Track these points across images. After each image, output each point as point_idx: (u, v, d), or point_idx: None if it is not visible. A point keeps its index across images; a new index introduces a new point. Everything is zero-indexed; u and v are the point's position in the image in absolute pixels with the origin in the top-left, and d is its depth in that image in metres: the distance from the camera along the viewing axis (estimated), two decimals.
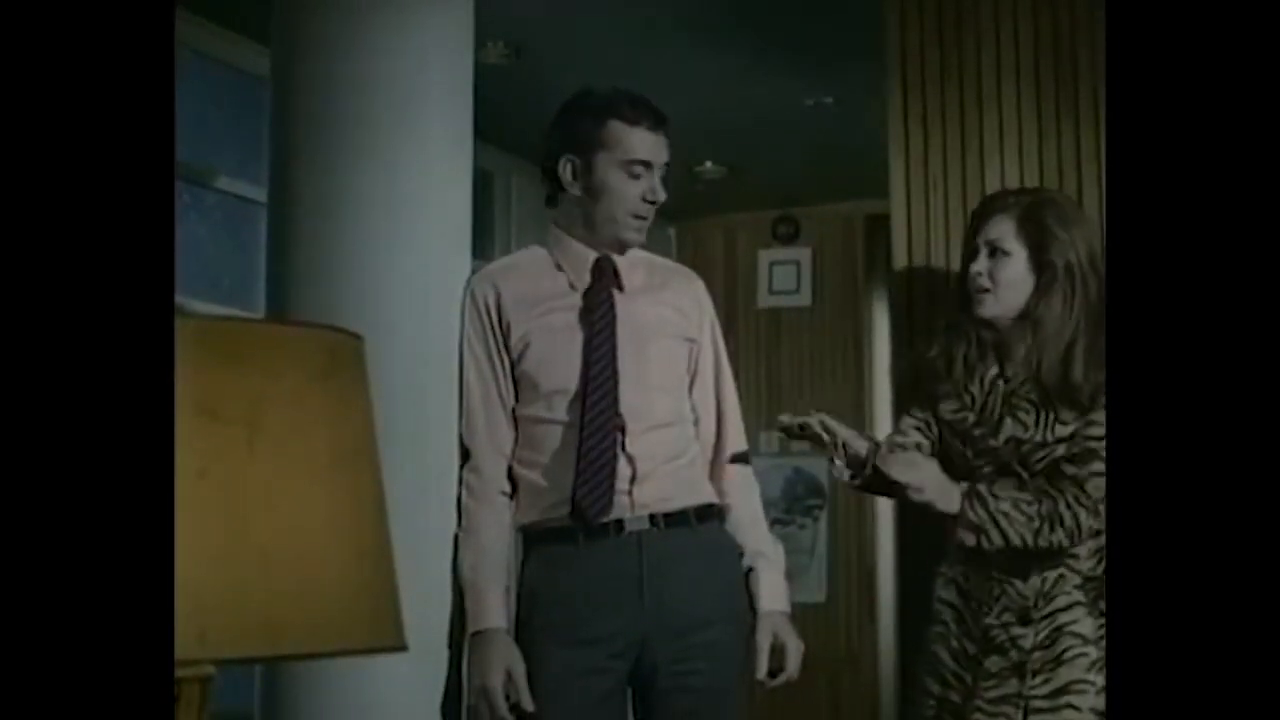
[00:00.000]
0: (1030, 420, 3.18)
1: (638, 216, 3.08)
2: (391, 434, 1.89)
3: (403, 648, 1.57)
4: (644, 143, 3.07)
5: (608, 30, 5.40)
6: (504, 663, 2.95)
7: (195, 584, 1.37)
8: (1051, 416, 3.17)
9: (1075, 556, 3.13)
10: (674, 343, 3.14)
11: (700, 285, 3.28)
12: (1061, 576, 3.16)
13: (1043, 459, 3.17)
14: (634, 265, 3.16)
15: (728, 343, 3.28)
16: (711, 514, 3.11)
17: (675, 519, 3.03)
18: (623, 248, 3.13)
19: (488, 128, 3.61)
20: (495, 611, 2.99)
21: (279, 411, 1.46)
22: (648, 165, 3.07)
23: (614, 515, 2.97)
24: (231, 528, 1.42)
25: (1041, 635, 3.16)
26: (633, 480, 3.00)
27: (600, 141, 3.06)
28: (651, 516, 3.00)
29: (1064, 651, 3.13)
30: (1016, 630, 3.18)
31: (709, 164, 7.20)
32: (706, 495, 3.12)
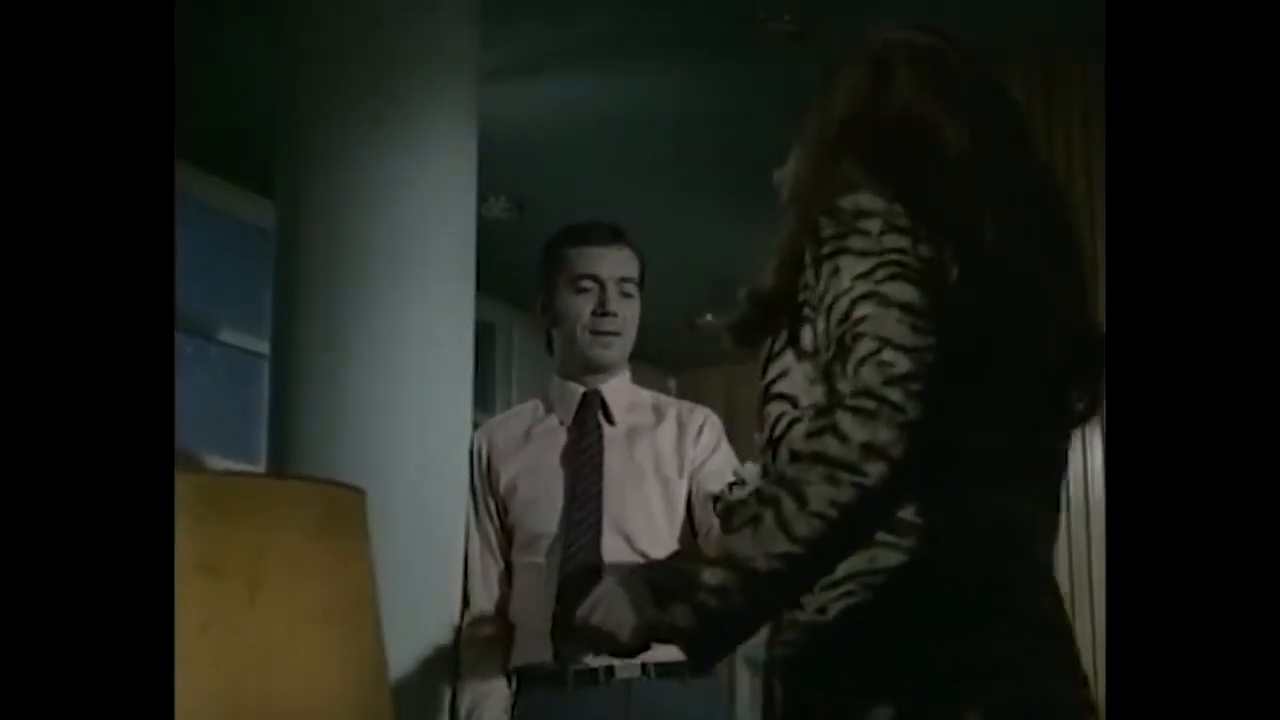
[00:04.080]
0: None
1: (596, 332, 3.05)
2: (392, 589, 1.88)
3: None
4: (586, 257, 3.06)
5: (609, 185, 5.45)
6: None
7: None
8: None
9: None
10: (666, 482, 3.06)
11: (703, 417, 3.18)
12: None
13: None
14: (627, 400, 3.12)
15: None
16: None
17: (667, 669, 2.95)
18: (594, 369, 3.07)
19: (489, 280, 3.63)
20: None
21: (280, 566, 1.45)
22: (595, 279, 3.05)
23: (604, 661, 2.92)
24: (231, 683, 1.40)
25: None
26: None
27: (553, 269, 3.08)
28: (643, 665, 2.94)
29: None
30: None
31: (709, 316, 7.21)
32: None
